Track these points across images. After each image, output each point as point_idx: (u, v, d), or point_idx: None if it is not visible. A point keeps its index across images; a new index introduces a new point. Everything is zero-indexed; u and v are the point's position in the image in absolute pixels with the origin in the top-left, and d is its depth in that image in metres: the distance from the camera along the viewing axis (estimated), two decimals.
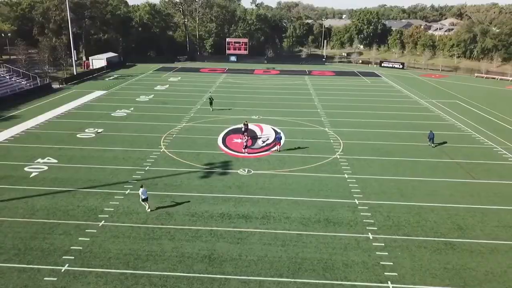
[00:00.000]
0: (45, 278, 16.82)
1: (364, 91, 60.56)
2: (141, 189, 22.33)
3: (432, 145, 34.52)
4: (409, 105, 51.67)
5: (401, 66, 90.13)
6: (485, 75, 79.36)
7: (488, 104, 52.66)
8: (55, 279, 16.81)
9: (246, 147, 32.23)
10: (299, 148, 33.54)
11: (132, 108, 46.33)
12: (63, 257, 18.28)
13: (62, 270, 17.37)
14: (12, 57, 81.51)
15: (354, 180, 27.22)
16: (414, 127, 40.42)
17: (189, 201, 23.83)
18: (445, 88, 65.05)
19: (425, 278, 17.37)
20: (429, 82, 71.60)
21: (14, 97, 49.48)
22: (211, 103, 45.32)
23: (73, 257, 18.26)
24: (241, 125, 36.38)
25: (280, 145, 32.87)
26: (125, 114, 43.95)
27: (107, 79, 67.69)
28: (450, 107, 50.37)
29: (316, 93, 58.28)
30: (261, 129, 38.77)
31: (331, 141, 35.67)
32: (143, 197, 22.30)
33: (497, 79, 77.01)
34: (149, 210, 22.64)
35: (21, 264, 17.73)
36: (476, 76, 79.94)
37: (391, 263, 18.34)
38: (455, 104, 52.41)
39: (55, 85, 59.56)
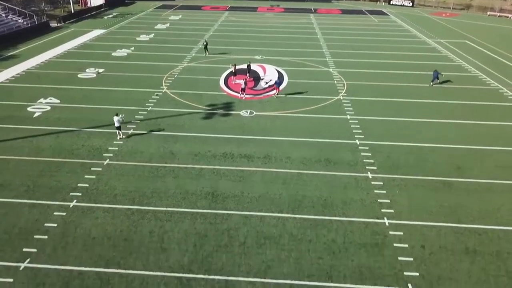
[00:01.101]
0: (55, 213, 17.56)
1: (371, 31, 58.57)
2: (116, 117, 23.49)
3: (436, 81, 34.08)
4: (417, 45, 50.18)
5: (410, 4, 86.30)
6: (498, 14, 76.11)
7: (499, 44, 51.02)
8: (64, 213, 17.55)
9: (243, 89, 30.94)
10: (302, 89, 33.18)
11: (132, 48, 45.36)
12: (71, 193, 18.94)
13: (71, 206, 18.08)
14: None
15: (356, 121, 27.24)
16: (420, 68, 39.58)
17: (192, 142, 24.13)
18: (455, 28, 62.76)
19: (421, 215, 17.97)
20: (438, 21, 68.95)
21: (12, 36, 48.29)
22: (205, 48, 43.75)
23: (80, 194, 18.91)
24: (244, 66, 35.70)
25: (279, 90, 32.13)
26: (126, 54, 43.12)
27: (106, 17, 65.58)
28: (458, 48, 48.93)
29: (322, 32, 56.48)
30: (264, 70, 38.14)
31: (335, 82, 35.19)
32: (116, 125, 23.60)
33: (511, 18, 73.96)
34: (119, 137, 23.95)
35: (31, 200, 18.43)
36: (489, 15, 76.73)
37: (388, 201, 18.89)
38: (464, 44, 50.85)
39: (53, 24, 57.90)
